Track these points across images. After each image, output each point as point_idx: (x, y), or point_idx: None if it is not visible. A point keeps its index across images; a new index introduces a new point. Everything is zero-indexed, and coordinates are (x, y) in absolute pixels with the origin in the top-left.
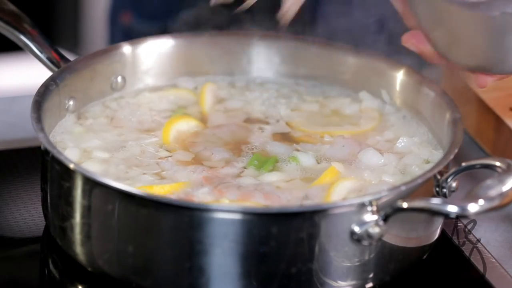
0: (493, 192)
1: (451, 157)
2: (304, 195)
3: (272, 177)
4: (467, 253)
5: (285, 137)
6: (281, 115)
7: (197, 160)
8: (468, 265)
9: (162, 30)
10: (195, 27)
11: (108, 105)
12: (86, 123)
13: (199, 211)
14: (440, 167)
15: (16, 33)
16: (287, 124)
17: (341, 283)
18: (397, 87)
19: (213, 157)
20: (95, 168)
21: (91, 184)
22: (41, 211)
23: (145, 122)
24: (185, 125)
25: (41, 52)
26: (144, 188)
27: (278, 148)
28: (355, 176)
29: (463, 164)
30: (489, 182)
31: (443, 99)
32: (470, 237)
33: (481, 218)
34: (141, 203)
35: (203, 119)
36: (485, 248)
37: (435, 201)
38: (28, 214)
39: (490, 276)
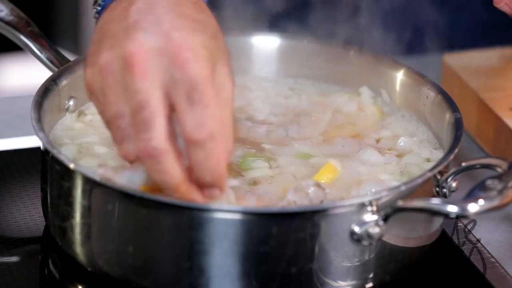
0: (493, 192)
1: (451, 157)
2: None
3: (265, 176)
4: (467, 253)
5: (284, 137)
6: (280, 114)
7: None
8: (468, 265)
9: None
10: None
11: None
12: (86, 119)
13: (199, 211)
14: (440, 167)
15: (16, 33)
16: (287, 123)
17: (341, 283)
18: (397, 87)
19: None
20: (93, 164)
21: (91, 184)
22: (41, 211)
23: None
24: None
25: (41, 52)
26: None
27: (277, 148)
28: (354, 174)
29: (463, 164)
30: (489, 182)
31: (443, 99)
32: (470, 237)
33: (481, 218)
34: (141, 203)
35: None
36: (485, 248)
37: (435, 201)
38: (28, 214)
39: (490, 276)
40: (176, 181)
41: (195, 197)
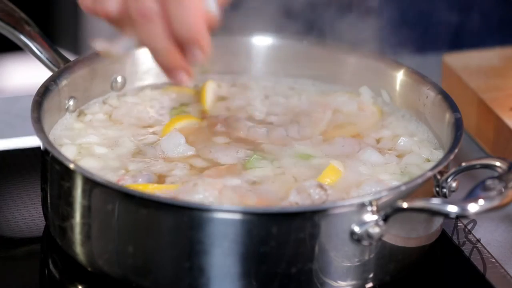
0: (493, 192)
1: (451, 157)
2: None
3: (267, 176)
4: (467, 253)
5: (285, 136)
6: (281, 114)
7: (197, 158)
8: (468, 265)
9: None
10: None
11: (108, 101)
12: (86, 119)
13: (199, 211)
14: (440, 167)
15: (16, 33)
16: (287, 123)
17: (341, 283)
18: (397, 87)
19: (211, 155)
20: (93, 165)
21: (91, 184)
22: (41, 211)
23: (145, 118)
24: (186, 123)
25: (41, 52)
26: (135, 187)
27: (278, 148)
28: (354, 174)
29: (463, 164)
30: (489, 182)
31: (443, 99)
32: (470, 237)
33: (481, 218)
34: (141, 203)
35: (203, 117)
36: (485, 248)
37: (435, 201)
38: (28, 214)
39: (490, 276)
40: (164, 42)
41: (180, 75)
